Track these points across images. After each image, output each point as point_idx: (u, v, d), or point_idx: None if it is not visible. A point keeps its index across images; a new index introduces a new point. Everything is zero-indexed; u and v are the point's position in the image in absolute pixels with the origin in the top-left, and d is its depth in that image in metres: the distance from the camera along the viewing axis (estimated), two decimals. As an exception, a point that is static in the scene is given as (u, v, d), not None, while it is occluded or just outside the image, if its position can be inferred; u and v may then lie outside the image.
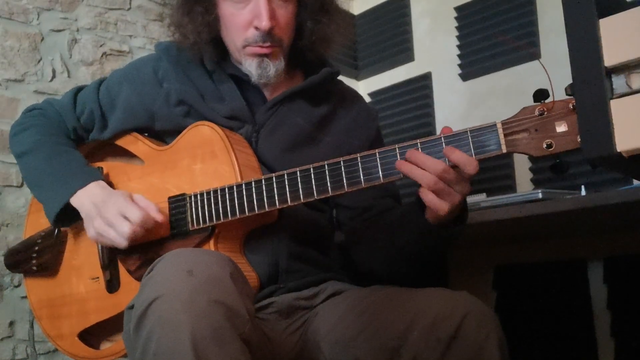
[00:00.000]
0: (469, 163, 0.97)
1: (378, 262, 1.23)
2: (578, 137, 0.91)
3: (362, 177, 1.04)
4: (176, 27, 1.27)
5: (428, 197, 1.00)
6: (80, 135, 1.37)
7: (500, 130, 0.97)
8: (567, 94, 0.92)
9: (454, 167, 0.98)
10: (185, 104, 1.27)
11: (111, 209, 1.16)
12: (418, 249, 1.13)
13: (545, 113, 0.95)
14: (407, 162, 1.00)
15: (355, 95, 1.42)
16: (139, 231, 1.15)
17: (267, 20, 1.18)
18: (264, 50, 1.22)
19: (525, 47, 2.09)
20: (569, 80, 0.87)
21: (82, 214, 1.22)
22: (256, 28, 1.20)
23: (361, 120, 1.36)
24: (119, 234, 1.15)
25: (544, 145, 0.95)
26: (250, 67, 1.24)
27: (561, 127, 0.94)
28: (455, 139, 0.99)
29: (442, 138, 0.99)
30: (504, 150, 0.97)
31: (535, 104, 0.97)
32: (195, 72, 1.29)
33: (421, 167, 0.99)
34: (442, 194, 0.99)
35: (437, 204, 1.00)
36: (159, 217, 1.17)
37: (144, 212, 1.15)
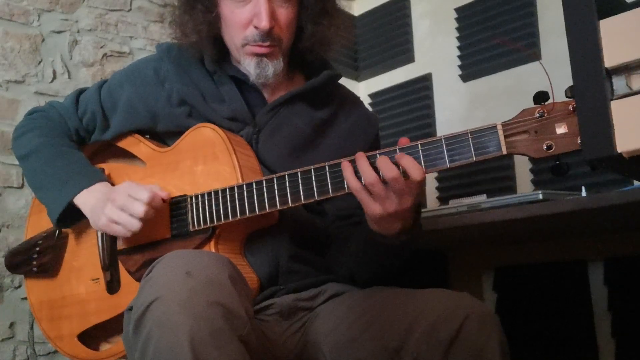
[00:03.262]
0: (414, 168, 0.98)
1: (341, 267, 1.25)
2: (578, 138, 0.91)
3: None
4: (177, 25, 1.27)
5: (360, 195, 1.03)
6: (83, 137, 1.38)
7: (500, 132, 0.97)
8: (567, 97, 0.93)
9: (404, 175, 0.99)
10: (187, 104, 1.27)
11: (120, 194, 1.17)
12: (367, 257, 1.16)
13: (545, 115, 0.95)
14: (350, 165, 1.03)
15: (355, 100, 1.42)
16: (150, 211, 1.16)
17: (266, 19, 1.18)
18: (263, 50, 1.22)
19: (525, 49, 2.09)
20: (569, 80, 0.87)
21: (87, 210, 1.22)
22: (255, 27, 1.20)
23: (361, 125, 1.36)
24: (134, 214, 1.15)
25: (544, 147, 0.95)
26: (248, 66, 1.24)
27: (561, 129, 0.94)
28: (456, 140, 0.99)
29: (443, 139, 1.00)
30: (504, 152, 0.97)
31: (535, 105, 0.97)
32: (197, 72, 1.29)
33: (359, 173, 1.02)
34: (378, 198, 1.01)
35: (370, 206, 1.02)
36: (164, 194, 1.19)
37: (151, 191, 1.16)
